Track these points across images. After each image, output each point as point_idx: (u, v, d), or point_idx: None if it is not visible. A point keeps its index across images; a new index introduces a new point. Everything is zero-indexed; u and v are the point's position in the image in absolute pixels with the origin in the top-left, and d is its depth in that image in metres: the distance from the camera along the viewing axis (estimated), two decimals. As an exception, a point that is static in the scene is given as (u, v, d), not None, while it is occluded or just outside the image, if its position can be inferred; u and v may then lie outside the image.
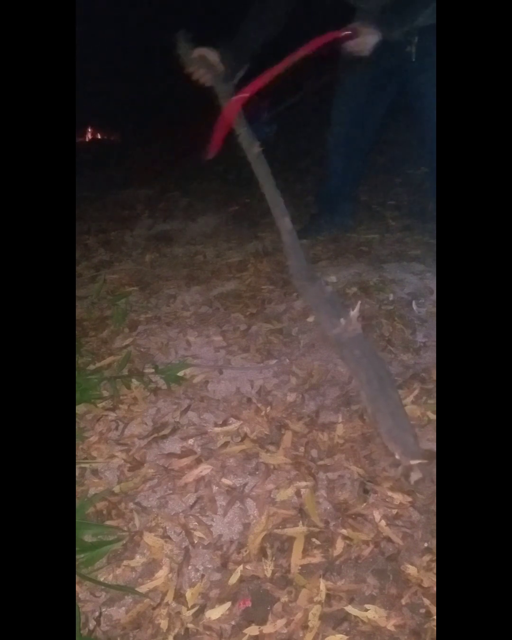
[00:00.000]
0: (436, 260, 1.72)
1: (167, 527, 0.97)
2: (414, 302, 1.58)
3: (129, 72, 4.91)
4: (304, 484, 1.02)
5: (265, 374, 1.36)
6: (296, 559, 0.89)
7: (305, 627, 0.79)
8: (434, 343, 1.39)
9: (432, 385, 1.24)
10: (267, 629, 0.79)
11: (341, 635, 0.78)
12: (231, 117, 1.36)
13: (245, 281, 1.86)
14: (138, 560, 0.92)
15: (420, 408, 1.18)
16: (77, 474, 1.11)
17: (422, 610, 0.80)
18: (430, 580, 0.83)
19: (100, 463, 1.13)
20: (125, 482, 1.08)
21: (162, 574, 0.89)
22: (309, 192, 2.60)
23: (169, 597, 0.86)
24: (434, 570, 0.84)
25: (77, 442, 1.18)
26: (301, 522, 0.95)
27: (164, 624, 0.82)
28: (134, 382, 1.36)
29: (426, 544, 0.89)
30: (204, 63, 1.44)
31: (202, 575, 0.89)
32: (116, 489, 1.06)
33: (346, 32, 1.44)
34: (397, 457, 1.01)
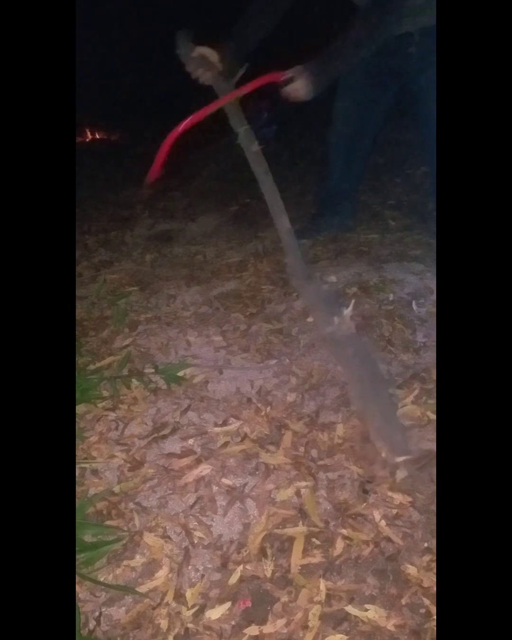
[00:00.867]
0: (436, 260, 1.72)
1: (167, 527, 0.97)
2: (414, 302, 1.58)
3: (130, 72, 4.91)
4: (304, 484, 1.02)
5: (265, 374, 1.36)
6: (296, 559, 0.89)
7: (305, 627, 0.79)
8: (434, 343, 1.39)
9: (432, 385, 1.24)
10: (267, 629, 0.79)
11: (340, 635, 0.78)
12: (168, 146, 1.32)
13: (245, 281, 1.86)
14: (138, 560, 0.93)
15: (420, 408, 1.18)
16: (77, 474, 1.11)
17: (422, 610, 0.80)
18: (430, 580, 0.83)
19: (100, 463, 1.13)
20: (125, 482, 1.08)
21: (162, 574, 0.89)
22: (309, 192, 2.60)
23: (169, 597, 0.86)
24: (434, 570, 0.84)
25: (77, 442, 1.18)
26: (301, 522, 0.95)
27: (164, 624, 0.82)
28: (134, 382, 1.36)
29: (426, 544, 0.89)
30: (204, 62, 1.44)
31: (202, 575, 0.89)
32: (116, 489, 1.06)
33: (281, 76, 1.40)
34: (383, 455, 1.02)
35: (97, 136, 5.20)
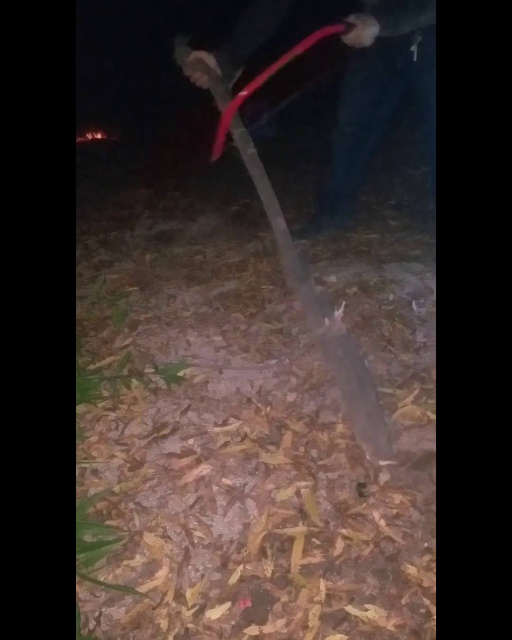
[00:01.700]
0: (436, 260, 1.72)
1: (167, 527, 0.97)
2: (414, 302, 1.58)
3: (130, 72, 4.91)
4: (304, 484, 1.02)
5: (265, 374, 1.36)
6: (296, 559, 0.89)
7: (305, 627, 0.79)
8: (434, 343, 1.39)
9: (432, 385, 1.24)
10: (267, 629, 0.79)
11: (341, 635, 0.78)
12: (230, 117, 1.37)
13: (245, 281, 1.86)
14: (138, 560, 0.92)
15: (420, 408, 1.18)
16: (77, 474, 1.11)
17: (422, 610, 0.80)
18: (430, 580, 0.83)
19: (100, 463, 1.13)
20: (125, 482, 1.08)
21: (162, 574, 0.89)
22: (309, 192, 2.61)
23: (169, 597, 0.86)
24: (434, 570, 0.84)
25: (77, 442, 1.18)
26: (301, 522, 0.95)
27: (164, 624, 0.82)
28: (134, 382, 1.36)
29: (426, 544, 0.89)
30: (201, 66, 1.45)
31: (202, 575, 0.89)
32: (116, 489, 1.06)
33: (340, 26, 1.44)
34: (368, 457, 1.02)
35: (97, 136, 5.20)
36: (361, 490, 0.98)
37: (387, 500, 0.97)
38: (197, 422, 1.22)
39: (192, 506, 1.01)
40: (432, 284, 1.67)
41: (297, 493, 1.01)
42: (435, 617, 0.78)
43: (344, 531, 0.92)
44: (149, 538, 0.95)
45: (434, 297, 1.59)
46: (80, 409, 1.28)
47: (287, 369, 1.37)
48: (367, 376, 1.16)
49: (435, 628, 0.77)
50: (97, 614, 0.85)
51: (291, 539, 0.92)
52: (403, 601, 0.81)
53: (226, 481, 1.05)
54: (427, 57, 1.65)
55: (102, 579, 0.89)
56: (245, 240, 2.22)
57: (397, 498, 0.97)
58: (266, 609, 0.82)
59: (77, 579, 0.88)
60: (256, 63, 1.49)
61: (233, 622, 0.82)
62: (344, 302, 1.23)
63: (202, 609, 0.84)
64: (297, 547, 0.90)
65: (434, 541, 0.89)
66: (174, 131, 4.05)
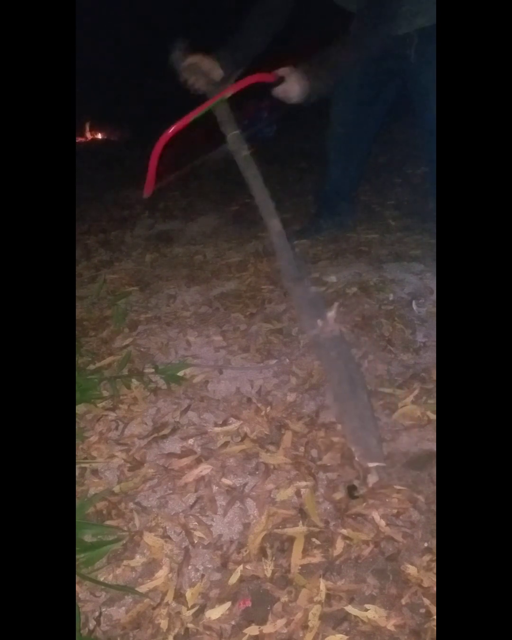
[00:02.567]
0: (436, 260, 1.72)
1: (167, 527, 0.97)
2: (414, 302, 1.58)
3: (130, 72, 4.91)
4: (304, 484, 1.02)
5: (265, 374, 1.36)
6: (296, 559, 0.89)
7: (305, 627, 0.79)
8: (434, 343, 1.39)
9: (432, 385, 1.24)
10: (267, 629, 0.79)
11: (340, 635, 0.78)
12: (157, 155, 1.34)
13: (245, 281, 1.86)
14: (138, 560, 0.92)
15: (420, 408, 1.18)
16: (77, 474, 1.11)
17: (422, 610, 0.80)
18: (430, 580, 0.83)
19: (100, 463, 1.13)
20: (125, 482, 1.08)
21: (162, 574, 0.89)
22: (309, 192, 2.60)
23: (169, 597, 0.86)
24: (434, 570, 0.84)
25: (77, 442, 1.18)
26: (301, 522, 0.95)
27: (164, 624, 0.82)
28: (134, 382, 1.36)
29: (426, 544, 0.89)
30: (197, 70, 1.45)
31: (202, 575, 0.89)
32: (116, 489, 1.06)
33: (271, 76, 1.38)
34: (357, 458, 1.02)
35: (97, 136, 5.20)
36: (351, 493, 0.98)
37: (387, 500, 0.97)
38: (197, 422, 1.22)
39: (192, 506, 1.01)
40: (432, 284, 1.67)
41: (297, 493, 1.01)
42: (435, 617, 0.78)
43: (344, 531, 0.92)
44: (149, 538, 0.95)
45: (434, 297, 1.59)
46: (80, 409, 1.28)
47: (287, 369, 1.37)
48: (359, 378, 1.16)
49: (435, 628, 0.77)
50: (97, 614, 0.85)
51: (291, 539, 0.92)
52: (403, 601, 0.81)
53: (226, 481, 1.05)
54: (423, 58, 1.66)
55: (102, 579, 0.89)
56: (245, 240, 2.22)
57: (396, 498, 0.97)
58: (266, 609, 0.82)
59: (77, 579, 0.88)
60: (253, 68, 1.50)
61: (233, 622, 0.82)
62: (336, 303, 1.22)
63: (202, 609, 0.84)
64: (297, 547, 0.90)
65: (434, 541, 0.89)
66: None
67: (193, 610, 0.83)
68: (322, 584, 0.84)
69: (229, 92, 1.35)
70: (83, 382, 1.34)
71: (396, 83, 1.83)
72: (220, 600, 0.84)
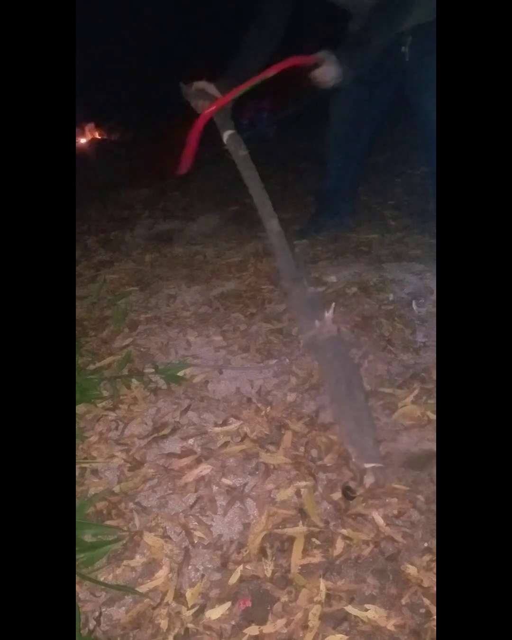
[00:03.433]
0: (436, 260, 1.72)
1: (167, 527, 0.97)
2: (414, 302, 1.58)
3: (130, 72, 4.91)
4: (304, 483, 1.02)
5: (265, 374, 1.36)
6: (296, 559, 0.89)
7: (305, 627, 0.79)
8: (434, 343, 1.39)
9: (432, 385, 1.24)
10: (267, 629, 0.79)
11: (340, 635, 0.78)
12: (198, 132, 1.43)
13: (245, 281, 1.86)
14: (138, 560, 0.92)
15: (420, 408, 1.18)
16: (77, 474, 1.11)
17: (422, 610, 0.80)
18: (430, 580, 0.83)
19: (100, 463, 1.13)
20: (125, 482, 1.08)
21: (162, 574, 0.89)
22: (309, 192, 2.60)
23: (169, 597, 0.86)
24: (434, 570, 0.84)
25: (77, 442, 1.18)
26: (301, 522, 0.95)
27: (164, 624, 0.82)
28: (134, 382, 1.36)
29: (426, 544, 0.89)
30: (203, 94, 1.50)
31: (202, 575, 0.89)
32: (116, 489, 1.06)
33: (311, 58, 1.44)
34: (353, 459, 1.02)
35: (97, 136, 5.20)
36: (347, 494, 0.97)
37: (387, 500, 0.97)
38: (197, 422, 1.22)
39: (192, 506, 1.01)
40: (432, 284, 1.67)
41: (297, 493, 1.01)
42: (435, 617, 0.78)
43: (344, 531, 0.92)
44: (149, 538, 0.95)
45: (434, 297, 1.59)
46: (80, 409, 1.28)
47: (287, 369, 1.37)
48: (357, 379, 1.16)
49: (435, 628, 0.77)
50: (97, 614, 0.85)
51: (291, 539, 0.92)
52: (403, 601, 0.81)
53: (226, 481, 1.05)
54: (417, 56, 1.67)
55: (102, 579, 0.89)
56: (246, 240, 2.22)
57: (396, 498, 0.97)
58: (266, 609, 0.82)
59: (77, 579, 0.88)
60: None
61: (233, 622, 0.82)
62: (333, 304, 1.23)
63: (202, 609, 0.84)
64: (297, 547, 0.90)
65: (434, 541, 0.89)
66: (174, 131, 4.05)
67: (193, 610, 0.83)
68: (322, 584, 0.84)
69: (271, 73, 1.39)
70: (83, 382, 1.34)
71: (393, 82, 1.84)
72: (220, 600, 0.84)
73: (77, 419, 1.25)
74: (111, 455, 1.15)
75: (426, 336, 1.43)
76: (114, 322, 1.66)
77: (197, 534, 0.95)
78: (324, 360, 1.20)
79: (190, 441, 1.16)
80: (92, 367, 1.45)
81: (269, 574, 0.87)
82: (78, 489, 1.07)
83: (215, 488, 1.04)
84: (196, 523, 0.98)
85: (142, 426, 1.23)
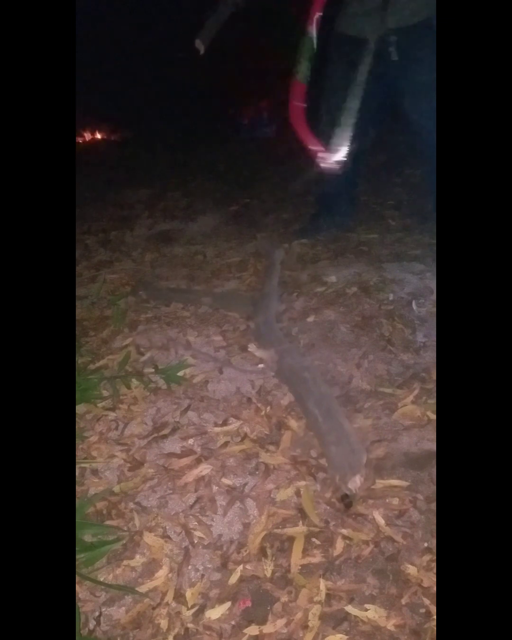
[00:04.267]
0: (436, 260, 1.72)
1: (167, 527, 0.97)
2: (414, 302, 1.58)
3: (130, 72, 4.91)
4: (303, 483, 1.02)
5: (265, 374, 1.36)
6: (296, 559, 0.89)
7: (305, 627, 0.79)
8: (434, 343, 1.39)
9: (432, 385, 1.24)
10: (267, 628, 0.79)
11: (341, 635, 0.78)
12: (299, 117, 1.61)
13: (245, 281, 1.86)
14: (138, 560, 0.93)
15: (420, 408, 1.18)
16: (77, 474, 1.11)
17: (422, 610, 0.80)
18: (430, 580, 0.83)
19: (100, 463, 1.13)
20: (125, 482, 1.08)
21: (162, 573, 0.89)
22: (309, 192, 2.60)
23: (169, 597, 0.86)
24: (434, 570, 0.84)
25: (77, 442, 1.18)
26: (300, 522, 0.95)
27: (164, 623, 0.82)
28: (134, 382, 1.36)
29: (426, 544, 0.89)
30: None
31: (202, 575, 0.89)
32: (116, 489, 1.06)
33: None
34: (337, 481, 0.97)
35: (97, 136, 5.20)
36: (346, 502, 0.96)
37: (387, 500, 0.97)
38: (197, 422, 1.22)
39: (192, 506, 1.01)
40: (432, 284, 1.67)
41: (297, 493, 1.01)
42: (435, 617, 0.78)
43: (344, 531, 0.92)
44: (149, 538, 0.95)
45: (434, 297, 1.59)
46: (80, 409, 1.28)
47: (287, 369, 1.36)
48: (331, 402, 1.13)
49: (435, 628, 0.77)
50: (97, 614, 0.85)
51: (291, 539, 0.92)
52: (403, 601, 0.81)
53: (226, 481, 1.05)
54: (404, 57, 1.69)
55: (102, 579, 0.89)
56: (245, 240, 2.22)
57: (396, 498, 0.97)
58: (266, 609, 0.82)
59: (77, 579, 0.88)
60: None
61: (233, 622, 0.82)
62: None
63: (202, 609, 0.84)
64: (297, 547, 0.90)
65: (434, 541, 0.89)
66: (174, 131, 4.07)
67: (193, 610, 0.83)
68: (322, 584, 0.84)
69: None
70: (83, 382, 1.34)
71: (383, 83, 1.84)
72: (220, 600, 0.84)
73: (77, 419, 1.25)
74: (111, 455, 1.15)
75: (426, 336, 1.43)
76: (114, 322, 1.66)
77: (197, 534, 0.95)
78: (294, 392, 1.23)
79: (190, 441, 1.16)
80: (92, 367, 1.45)
81: (269, 574, 0.87)
82: (78, 489, 1.07)
83: (215, 488, 1.04)
84: (196, 523, 0.98)
85: (142, 426, 1.23)
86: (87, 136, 5.18)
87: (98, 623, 0.84)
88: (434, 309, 1.53)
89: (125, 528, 0.98)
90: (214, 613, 0.83)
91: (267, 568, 0.88)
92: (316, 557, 0.89)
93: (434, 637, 0.76)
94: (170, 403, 1.29)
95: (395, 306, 1.57)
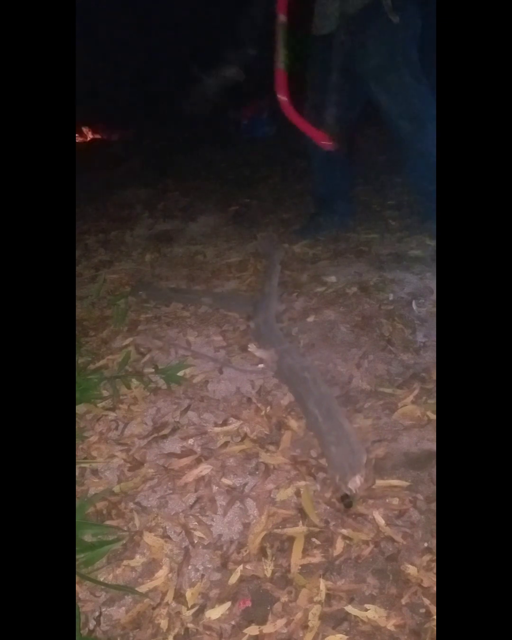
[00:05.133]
0: (436, 260, 1.72)
1: (167, 527, 0.97)
2: (414, 302, 1.58)
3: (130, 72, 4.90)
4: (303, 483, 1.02)
5: (265, 374, 1.36)
6: (296, 559, 0.89)
7: (305, 627, 0.79)
8: (434, 343, 1.39)
9: (432, 385, 1.24)
10: (267, 629, 0.79)
11: (341, 635, 0.78)
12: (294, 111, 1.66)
13: (245, 281, 1.86)
14: (138, 560, 0.93)
15: (420, 408, 1.18)
16: (77, 474, 1.11)
17: (422, 610, 0.80)
18: (430, 580, 0.83)
19: (100, 463, 1.13)
20: (125, 482, 1.08)
21: (162, 573, 0.89)
22: (309, 192, 2.60)
23: (169, 597, 0.86)
24: (434, 570, 0.84)
25: (77, 442, 1.18)
26: (300, 522, 0.95)
27: (164, 623, 0.82)
28: (134, 382, 1.36)
29: (426, 544, 0.89)
30: None
31: (202, 575, 0.89)
32: (116, 489, 1.06)
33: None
34: (337, 481, 0.97)
35: (97, 136, 5.20)
36: (346, 502, 0.96)
37: (387, 500, 0.97)
38: (197, 422, 1.22)
39: (192, 506, 1.01)
40: (432, 284, 1.67)
41: (297, 493, 1.01)
42: (435, 617, 0.78)
43: (344, 531, 0.92)
44: (149, 538, 0.95)
45: (434, 297, 1.59)
46: (80, 409, 1.28)
47: (287, 369, 1.36)
48: (331, 402, 1.13)
49: (435, 628, 0.77)
50: (97, 614, 0.85)
51: (291, 539, 0.92)
52: (403, 601, 0.81)
53: (226, 481, 1.05)
54: (357, 43, 1.72)
55: (102, 579, 0.90)
56: (246, 240, 2.22)
57: (396, 498, 0.97)
58: (266, 609, 0.82)
59: (77, 579, 0.88)
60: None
61: (233, 622, 0.82)
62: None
63: (202, 609, 0.84)
64: (297, 547, 0.90)
65: (434, 541, 0.89)
66: (174, 131, 4.06)
67: (193, 610, 0.83)
68: (322, 584, 0.84)
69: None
70: (83, 382, 1.34)
71: (350, 75, 1.83)
72: (220, 600, 0.84)
73: (77, 419, 1.25)
74: (111, 455, 1.15)
75: (426, 336, 1.43)
76: (114, 322, 1.66)
77: (197, 533, 0.95)
78: (294, 392, 1.23)
79: (190, 441, 1.16)
80: (92, 367, 1.45)
81: (269, 574, 0.87)
82: (78, 489, 1.07)
83: (215, 488, 1.04)
84: (196, 523, 0.98)
85: (142, 426, 1.23)
86: (87, 136, 5.17)
87: (98, 623, 0.84)
88: (434, 309, 1.53)
89: (125, 528, 0.98)
90: (214, 613, 0.83)
91: (267, 568, 0.88)
92: (316, 557, 0.89)
93: (434, 637, 0.76)
94: (170, 403, 1.29)
95: (395, 306, 1.57)
